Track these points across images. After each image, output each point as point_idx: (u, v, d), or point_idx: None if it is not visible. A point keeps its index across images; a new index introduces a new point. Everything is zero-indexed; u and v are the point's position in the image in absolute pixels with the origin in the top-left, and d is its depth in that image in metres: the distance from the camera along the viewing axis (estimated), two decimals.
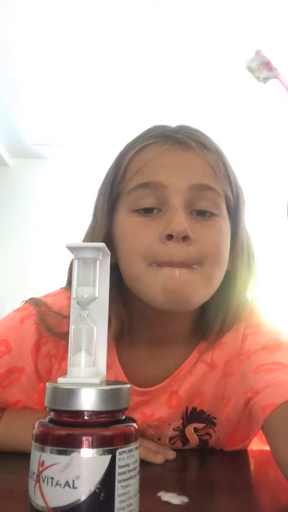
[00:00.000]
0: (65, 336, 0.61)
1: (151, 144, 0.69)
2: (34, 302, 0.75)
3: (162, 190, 0.65)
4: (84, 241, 0.74)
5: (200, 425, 0.76)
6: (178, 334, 0.74)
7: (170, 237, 0.62)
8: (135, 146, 0.70)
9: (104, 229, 0.70)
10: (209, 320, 0.73)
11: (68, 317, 0.58)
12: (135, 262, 0.65)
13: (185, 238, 0.62)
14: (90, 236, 0.72)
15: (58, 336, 0.71)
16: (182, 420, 0.75)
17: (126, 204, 0.68)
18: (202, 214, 0.66)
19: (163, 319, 0.70)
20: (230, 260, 0.71)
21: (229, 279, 0.71)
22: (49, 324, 0.72)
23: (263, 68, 0.51)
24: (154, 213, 0.65)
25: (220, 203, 0.68)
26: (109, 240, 0.69)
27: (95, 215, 0.73)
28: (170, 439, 0.76)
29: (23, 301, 0.77)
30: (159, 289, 0.63)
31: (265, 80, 0.51)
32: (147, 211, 0.66)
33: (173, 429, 0.75)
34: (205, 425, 0.76)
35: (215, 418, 0.75)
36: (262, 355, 0.69)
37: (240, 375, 0.70)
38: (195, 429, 0.76)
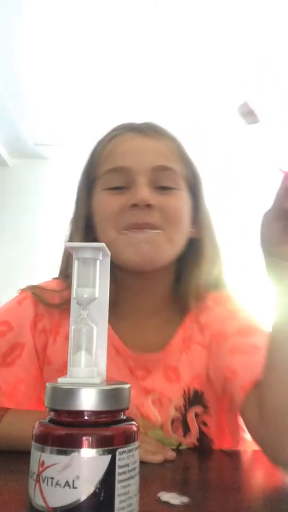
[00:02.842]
0: (57, 306, 0.80)
1: (118, 135, 0.83)
2: (29, 287, 0.86)
3: (128, 172, 0.78)
4: (70, 220, 0.86)
5: (199, 409, 0.79)
6: (158, 302, 0.84)
7: (135, 206, 0.75)
8: (105, 138, 0.84)
9: (85, 207, 0.83)
10: (185, 286, 0.83)
11: (59, 291, 0.81)
12: (107, 231, 0.78)
13: (148, 206, 0.75)
14: (74, 214, 0.85)
15: (52, 306, 0.81)
16: (183, 400, 0.78)
17: (101, 185, 0.80)
18: (164, 189, 0.78)
19: (142, 285, 0.81)
20: (196, 229, 0.84)
21: (197, 246, 0.83)
22: (44, 298, 0.82)
23: (250, 115, 0.63)
24: (123, 190, 0.78)
25: (179, 180, 0.80)
26: (90, 216, 0.82)
27: (77, 196, 0.85)
28: (172, 423, 0.78)
29: (19, 289, 0.86)
30: (130, 252, 0.75)
31: (250, 123, 0.63)
32: (117, 188, 0.78)
33: (175, 408, 0.78)
34: (203, 409, 0.79)
35: (208, 401, 0.80)
36: (238, 338, 0.76)
37: (218, 355, 0.78)
38: (196, 415, 0.79)
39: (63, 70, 2.60)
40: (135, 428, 0.38)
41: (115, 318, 0.77)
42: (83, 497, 0.34)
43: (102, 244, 0.42)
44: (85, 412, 0.36)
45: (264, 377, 0.64)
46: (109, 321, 0.76)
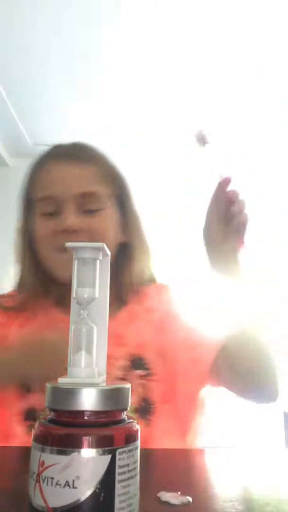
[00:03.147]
0: (11, 309, 0.94)
1: (48, 163, 0.93)
2: None
3: (57, 199, 0.87)
4: (17, 231, 0.97)
5: (142, 373, 0.88)
6: None
7: (65, 231, 0.85)
8: (37, 165, 0.94)
9: (26, 224, 0.94)
10: (120, 285, 0.93)
11: (12, 296, 0.96)
12: (43, 250, 0.90)
13: (75, 231, 0.85)
14: (19, 229, 0.98)
15: (7, 309, 0.94)
16: (128, 362, 0.88)
17: (37, 209, 0.91)
18: (91, 212, 0.88)
19: None
20: (124, 234, 0.94)
21: (127, 248, 0.94)
22: (1, 302, 0.96)
23: (202, 140, 0.77)
24: (55, 215, 0.88)
25: (104, 199, 0.90)
26: (32, 234, 0.93)
27: (20, 214, 0.97)
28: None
29: None
30: (63, 269, 0.86)
31: (203, 145, 0.77)
32: (50, 214, 0.88)
33: (120, 369, 0.86)
34: (146, 374, 0.87)
35: (151, 368, 0.89)
36: (184, 319, 0.91)
37: (174, 332, 0.90)
38: (139, 377, 0.88)
39: (63, 70, 2.60)
40: (135, 428, 0.38)
41: (62, 308, 0.90)
42: (83, 497, 0.34)
43: (102, 244, 0.42)
44: (85, 412, 0.36)
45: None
46: (59, 309, 0.92)
